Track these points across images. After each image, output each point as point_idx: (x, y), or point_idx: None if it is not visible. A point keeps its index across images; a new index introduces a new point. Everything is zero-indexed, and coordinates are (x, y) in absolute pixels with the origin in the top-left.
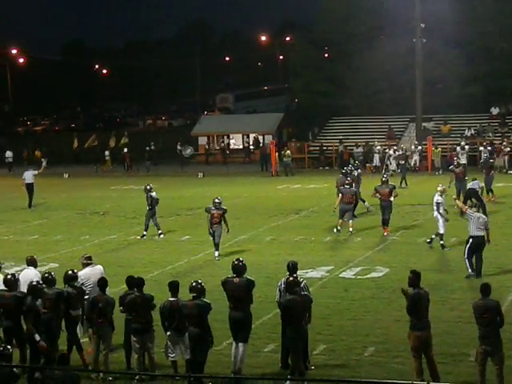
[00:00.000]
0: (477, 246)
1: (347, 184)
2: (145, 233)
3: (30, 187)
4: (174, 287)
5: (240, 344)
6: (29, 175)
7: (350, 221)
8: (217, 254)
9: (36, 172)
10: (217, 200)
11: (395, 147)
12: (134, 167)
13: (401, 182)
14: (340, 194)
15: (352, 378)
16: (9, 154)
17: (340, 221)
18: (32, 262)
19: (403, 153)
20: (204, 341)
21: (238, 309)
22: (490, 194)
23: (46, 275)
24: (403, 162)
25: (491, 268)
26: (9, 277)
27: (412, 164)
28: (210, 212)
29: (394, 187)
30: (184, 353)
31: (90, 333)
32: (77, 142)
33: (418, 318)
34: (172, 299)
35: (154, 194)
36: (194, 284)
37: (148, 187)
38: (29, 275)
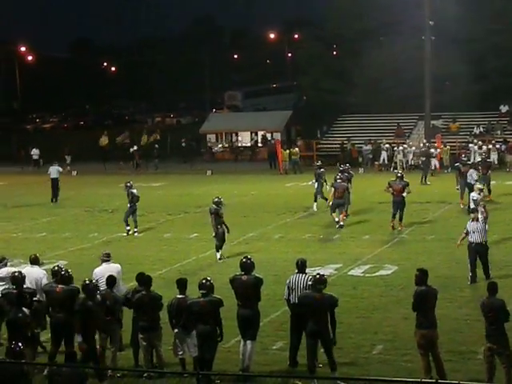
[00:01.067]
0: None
1: (339, 179)
2: (128, 228)
3: (54, 182)
4: (181, 284)
5: (248, 342)
6: (54, 170)
7: (340, 215)
8: (218, 255)
9: (61, 169)
10: (216, 199)
11: (405, 145)
12: (142, 165)
13: (422, 179)
14: (333, 189)
15: (360, 375)
16: (35, 151)
17: (334, 215)
18: (35, 261)
19: (426, 149)
20: (213, 338)
21: (246, 306)
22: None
23: (63, 272)
24: (424, 158)
25: (501, 266)
26: (16, 274)
27: (420, 162)
28: (216, 213)
29: (408, 184)
30: (191, 350)
31: None
32: (107, 139)
33: (424, 315)
34: (180, 296)
35: (134, 190)
36: (203, 281)
37: (128, 184)
38: (33, 274)
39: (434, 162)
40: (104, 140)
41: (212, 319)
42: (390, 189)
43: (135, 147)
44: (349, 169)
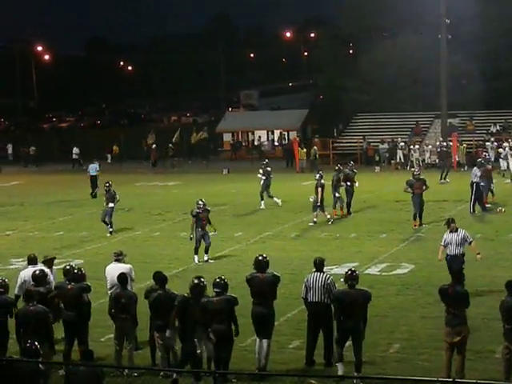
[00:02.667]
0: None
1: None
2: (111, 229)
3: (93, 179)
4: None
5: (264, 340)
6: (93, 168)
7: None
8: (206, 257)
9: (98, 167)
10: (200, 202)
11: (419, 144)
12: (159, 164)
13: (442, 177)
14: (320, 188)
15: (377, 374)
16: (76, 150)
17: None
18: (34, 261)
19: (446, 150)
20: (229, 338)
21: (262, 304)
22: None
23: (75, 271)
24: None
25: None
26: (37, 272)
27: (437, 160)
28: (197, 216)
29: (425, 181)
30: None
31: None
32: (153, 138)
33: (448, 312)
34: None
35: (112, 191)
36: (217, 280)
37: (107, 184)
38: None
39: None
40: (150, 138)
41: (227, 318)
42: (409, 189)
43: (154, 146)
44: (352, 166)
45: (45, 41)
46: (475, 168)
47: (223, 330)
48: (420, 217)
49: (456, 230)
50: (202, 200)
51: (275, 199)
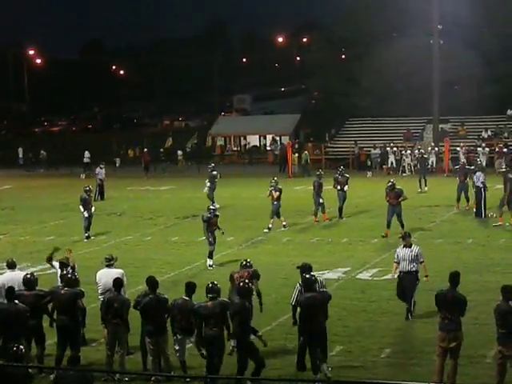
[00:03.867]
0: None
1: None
2: (85, 234)
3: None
4: (190, 288)
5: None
6: (101, 171)
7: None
8: (211, 262)
9: (103, 171)
10: (212, 207)
11: (412, 149)
12: (150, 168)
13: (420, 186)
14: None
15: (368, 379)
16: (87, 154)
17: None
18: (13, 265)
19: (424, 157)
20: (221, 344)
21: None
22: (466, 202)
23: (69, 276)
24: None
25: (507, 269)
26: (28, 276)
27: (429, 165)
28: (208, 221)
29: (402, 191)
30: (178, 354)
31: (105, 333)
32: (171, 141)
33: (444, 317)
34: (186, 298)
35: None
36: (211, 285)
37: (87, 188)
38: (15, 278)
39: (432, 159)
40: (169, 141)
41: (220, 323)
42: (387, 197)
43: (145, 150)
44: (343, 171)
45: (37, 44)
46: (478, 172)
47: (216, 334)
48: (388, 226)
49: (410, 246)
50: (213, 205)
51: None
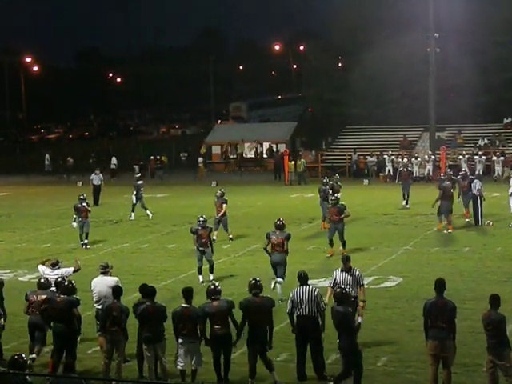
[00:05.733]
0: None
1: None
2: (82, 242)
3: (96, 188)
4: (187, 294)
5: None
6: (97, 178)
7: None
8: (211, 276)
9: (99, 177)
10: (201, 218)
11: (408, 157)
12: (147, 176)
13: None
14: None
15: None
16: (114, 160)
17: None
18: (55, 264)
19: (407, 170)
20: (228, 340)
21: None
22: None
23: (66, 283)
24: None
25: (503, 277)
26: (42, 280)
27: (426, 173)
28: (196, 233)
29: (345, 207)
30: (195, 362)
31: (101, 341)
32: (205, 148)
33: (435, 326)
34: (184, 305)
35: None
36: (212, 287)
37: (82, 197)
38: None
39: (428, 167)
40: (204, 148)
41: (226, 321)
42: (329, 214)
43: (151, 157)
44: (338, 179)
45: (34, 52)
46: (476, 181)
47: (223, 333)
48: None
49: (349, 270)
50: (202, 216)
51: (136, 214)
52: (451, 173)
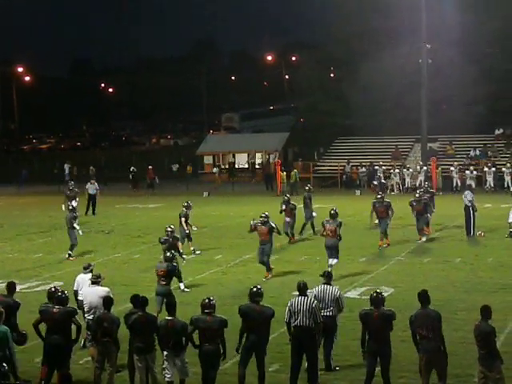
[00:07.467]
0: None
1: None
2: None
3: (91, 198)
4: (170, 306)
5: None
6: (92, 187)
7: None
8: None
9: (95, 187)
10: (169, 228)
11: (399, 168)
12: (139, 186)
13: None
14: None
15: None
16: (134, 169)
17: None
18: (86, 268)
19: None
20: (217, 358)
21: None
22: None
23: (59, 294)
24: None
25: (495, 288)
26: (59, 293)
27: (417, 184)
28: (165, 243)
29: (272, 228)
30: (182, 373)
31: (92, 352)
32: (190, 168)
33: (423, 337)
34: (168, 318)
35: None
36: (206, 301)
37: (70, 207)
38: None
39: (420, 178)
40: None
41: (217, 338)
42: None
43: (150, 167)
44: (311, 190)
45: (26, 62)
46: (467, 192)
47: (213, 349)
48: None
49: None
50: (170, 226)
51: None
52: (427, 186)
